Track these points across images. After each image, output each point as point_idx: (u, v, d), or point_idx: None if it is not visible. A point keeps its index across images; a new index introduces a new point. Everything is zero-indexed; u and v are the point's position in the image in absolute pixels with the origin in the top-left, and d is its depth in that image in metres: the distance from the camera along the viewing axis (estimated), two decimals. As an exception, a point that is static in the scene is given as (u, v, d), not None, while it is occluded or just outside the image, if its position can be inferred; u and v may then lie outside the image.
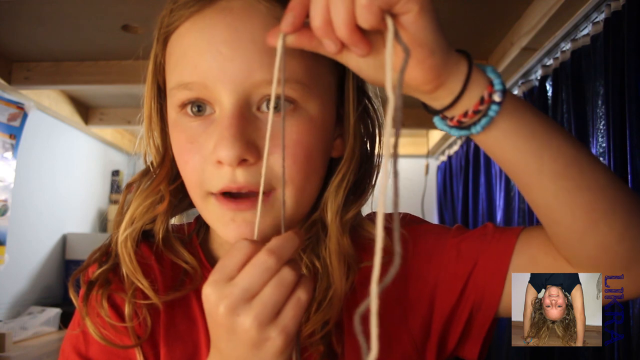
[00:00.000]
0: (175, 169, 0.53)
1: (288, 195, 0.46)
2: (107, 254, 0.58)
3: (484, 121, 0.41)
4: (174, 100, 0.47)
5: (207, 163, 0.46)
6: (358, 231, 0.54)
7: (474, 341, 0.54)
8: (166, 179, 0.53)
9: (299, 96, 0.45)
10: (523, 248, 0.51)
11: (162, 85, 0.54)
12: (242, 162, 0.44)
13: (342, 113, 0.52)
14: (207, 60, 0.43)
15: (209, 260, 0.56)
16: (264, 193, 0.41)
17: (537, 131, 0.42)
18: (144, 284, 0.51)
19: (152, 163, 0.55)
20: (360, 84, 0.53)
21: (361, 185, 0.54)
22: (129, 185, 0.57)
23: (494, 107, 0.40)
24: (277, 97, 0.39)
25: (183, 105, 0.47)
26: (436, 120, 0.46)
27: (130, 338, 0.52)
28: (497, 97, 0.40)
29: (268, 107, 0.44)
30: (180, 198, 0.55)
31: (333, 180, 0.50)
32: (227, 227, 0.46)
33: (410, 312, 0.54)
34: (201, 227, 0.59)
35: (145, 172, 0.56)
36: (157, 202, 0.53)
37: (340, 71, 0.50)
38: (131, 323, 0.52)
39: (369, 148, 0.55)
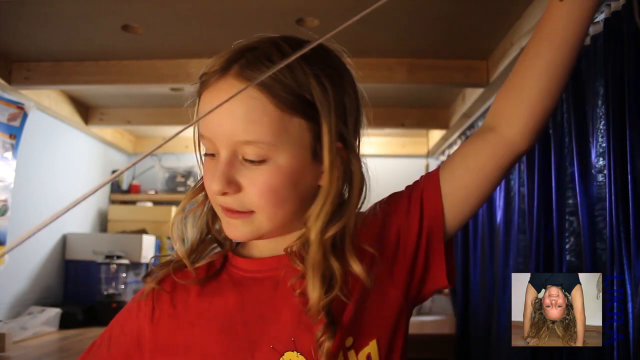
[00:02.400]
0: None
1: (263, 218, 0.64)
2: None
3: None
4: (202, 144, 0.67)
5: None
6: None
7: (438, 265, 0.67)
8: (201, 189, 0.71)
9: (265, 152, 0.62)
10: (443, 169, 0.68)
11: None
12: (224, 193, 0.63)
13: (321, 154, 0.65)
14: (211, 122, 0.63)
15: (246, 257, 0.73)
16: (244, 212, 0.64)
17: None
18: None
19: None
20: (338, 129, 0.65)
21: (345, 205, 0.66)
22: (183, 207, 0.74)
23: None
24: (252, 149, 0.61)
25: (205, 152, 0.66)
26: None
27: None
28: None
29: (252, 161, 0.62)
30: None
31: (313, 209, 0.65)
32: (227, 228, 0.66)
33: (392, 265, 0.67)
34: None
35: (198, 191, 0.73)
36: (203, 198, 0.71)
37: (316, 126, 0.64)
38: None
39: (353, 173, 0.67)
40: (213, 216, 0.71)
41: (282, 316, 0.66)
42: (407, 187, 0.71)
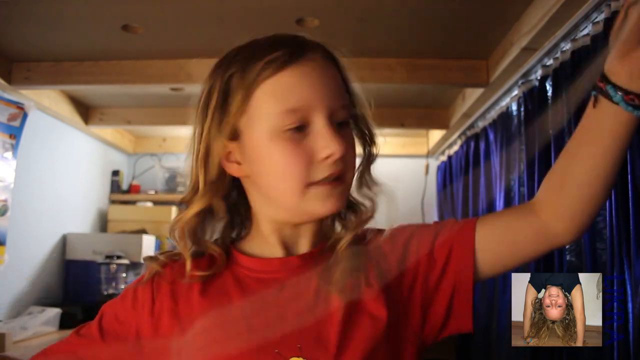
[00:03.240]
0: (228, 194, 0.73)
1: (350, 178, 0.69)
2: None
3: None
4: (278, 124, 0.65)
5: (312, 161, 0.65)
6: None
7: (465, 312, 0.68)
8: (217, 193, 0.70)
9: (348, 116, 0.69)
10: (480, 226, 0.69)
11: (233, 126, 0.68)
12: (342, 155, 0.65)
13: None
14: (310, 92, 0.65)
15: (252, 256, 0.73)
16: (341, 177, 0.67)
17: None
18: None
19: (205, 182, 0.69)
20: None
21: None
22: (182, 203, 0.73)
23: None
24: (345, 112, 0.69)
25: (286, 129, 0.65)
26: (618, 97, 0.64)
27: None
28: None
29: (340, 124, 0.67)
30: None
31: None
32: (326, 202, 0.66)
33: (408, 304, 0.69)
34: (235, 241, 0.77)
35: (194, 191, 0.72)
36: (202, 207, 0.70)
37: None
38: None
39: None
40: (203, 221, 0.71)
41: (288, 321, 0.66)
42: (432, 228, 0.72)
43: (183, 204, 0.71)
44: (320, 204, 0.66)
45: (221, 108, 0.67)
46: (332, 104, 0.66)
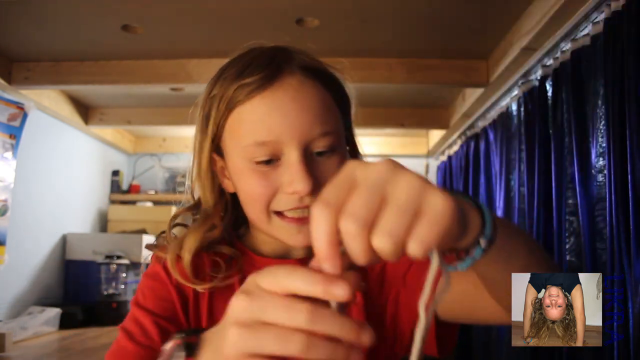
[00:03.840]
0: (228, 209, 0.71)
1: None
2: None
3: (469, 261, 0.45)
4: (248, 155, 0.63)
5: (278, 192, 0.63)
6: None
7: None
8: (220, 215, 0.70)
9: (336, 142, 0.64)
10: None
11: (217, 142, 0.68)
12: (310, 192, 0.61)
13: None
14: (280, 124, 0.61)
15: (254, 252, 0.73)
16: None
17: (506, 251, 0.49)
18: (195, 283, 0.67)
19: (206, 203, 0.70)
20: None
21: None
22: (175, 217, 0.73)
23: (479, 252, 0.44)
24: (327, 140, 0.63)
25: (255, 161, 0.63)
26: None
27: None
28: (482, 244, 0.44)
29: (321, 153, 0.63)
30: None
31: None
32: (296, 237, 0.64)
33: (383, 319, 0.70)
34: (239, 233, 0.76)
35: (194, 207, 0.72)
36: (209, 231, 0.69)
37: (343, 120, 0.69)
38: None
39: None
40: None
41: None
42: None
43: (194, 213, 0.71)
44: (290, 237, 0.65)
45: (205, 125, 0.67)
46: (306, 135, 0.61)
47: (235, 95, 0.63)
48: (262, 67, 0.63)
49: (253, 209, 0.65)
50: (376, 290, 0.71)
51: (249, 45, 0.69)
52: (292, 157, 0.61)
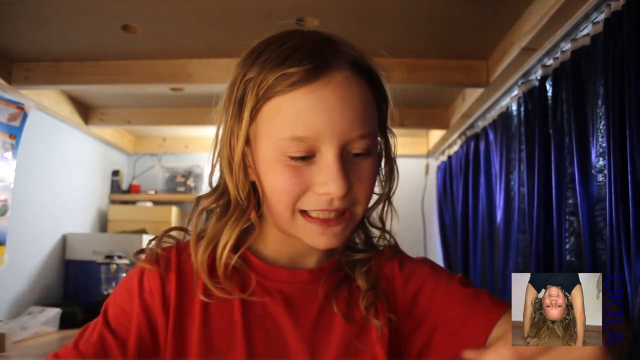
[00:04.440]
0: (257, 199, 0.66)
1: (359, 211, 0.64)
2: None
3: None
4: (282, 148, 0.59)
5: (308, 191, 0.60)
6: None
7: None
8: (254, 208, 0.65)
9: (372, 145, 0.62)
10: (503, 323, 0.64)
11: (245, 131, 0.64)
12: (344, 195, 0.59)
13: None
14: (321, 121, 0.58)
15: (261, 259, 0.69)
16: (344, 211, 0.62)
17: None
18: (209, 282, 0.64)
19: (239, 195, 0.65)
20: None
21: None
22: (202, 211, 0.68)
23: None
24: (364, 142, 0.61)
25: (289, 155, 0.60)
26: None
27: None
28: None
29: (357, 155, 0.61)
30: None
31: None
32: (319, 238, 0.62)
33: (404, 346, 0.68)
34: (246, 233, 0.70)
35: (220, 196, 0.67)
36: (245, 227, 0.66)
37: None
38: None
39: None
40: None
41: (289, 342, 0.64)
42: (448, 289, 0.69)
43: (206, 208, 0.67)
44: (312, 238, 0.62)
45: (239, 111, 0.63)
46: (346, 136, 0.59)
47: (275, 83, 0.59)
48: (308, 57, 0.59)
49: (278, 205, 0.62)
50: (404, 313, 0.68)
51: (284, 26, 0.66)
52: (329, 157, 0.59)
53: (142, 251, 0.68)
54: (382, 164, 0.71)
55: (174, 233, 0.71)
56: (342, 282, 0.69)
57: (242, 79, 0.62)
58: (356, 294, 0.68)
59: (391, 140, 0.72)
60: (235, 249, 0.66)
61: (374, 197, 0.70)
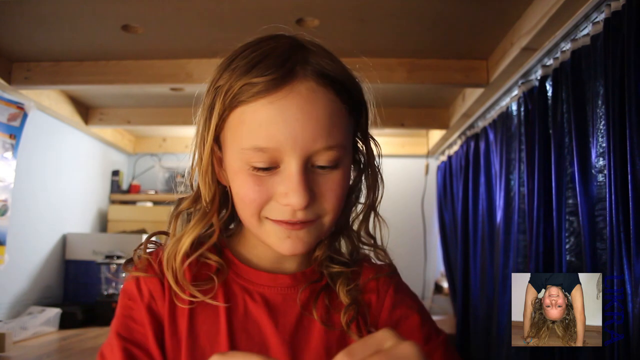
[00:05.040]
0: (222, 202, 0.67)
1: (328, 221, 0.63)
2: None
3: None
4: (245, 158, 0.60)
5: (272, 200, 0.60)
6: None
7: None
8: (216, 212, 0.66)
9: (340, 156, 0.61)
10: None
11: (218, 134, 0.65)
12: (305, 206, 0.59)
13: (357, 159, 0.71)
14: (282, 132, 0.57)
15: (243, 262, 0.70)
16: (312, 220, 0.61)
17: None
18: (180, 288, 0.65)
19: (204, 198, 0.66)
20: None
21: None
22: (179, 213, 0.69)
23: None
24: (330, 155, 0.60)
25: (252, 165, 0.60)
26: None
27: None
28: None
29: (323, 167, 0.60)
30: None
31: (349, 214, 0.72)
32: (284, 242, 0.62)
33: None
34: (227, 237, 0.72)
35: (196, 199, 0.68)
36: (205, 230, 0.67)
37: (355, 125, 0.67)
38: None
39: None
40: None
41: (271, 346, 0.64)
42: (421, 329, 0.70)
43: (181, 208, 0.68)
44: (278, 242, 0.62)
45: (209, 116, 0.63)
46: (309, 147, 0.58)
47: (240, 92, 0.59)
48: (273, 67, 0.58)
49: (244, 212, 0.63)
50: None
51: (266, 31, 0.65)
52: (291, 168, 0.58)
53: (130, 261, 0.68)
54: (365, 172, 0.71)
55: (158, 236, 0.72)
56: (324, 289, 0.70)
57: (214, 85, 0.63)
58: (337, 302, 0.69)
59: (374, 148, 0.71)
60: (217, 251, 0.67)
61: (359, 207, 0.71)
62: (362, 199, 0.72)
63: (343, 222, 0.71)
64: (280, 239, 0.62)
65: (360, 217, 0.72)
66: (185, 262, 0.64)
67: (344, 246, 0.73)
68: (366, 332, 0.67)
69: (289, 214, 0.60)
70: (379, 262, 0.74)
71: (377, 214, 0.71)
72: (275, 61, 0.59)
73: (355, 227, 0.72)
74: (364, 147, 0.70)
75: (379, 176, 0.71)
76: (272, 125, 0.57)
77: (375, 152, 0.72)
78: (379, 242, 0.73)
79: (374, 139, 0.72)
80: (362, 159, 0.71)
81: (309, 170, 0.60)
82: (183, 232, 0.66)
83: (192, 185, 0.70)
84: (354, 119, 0.65)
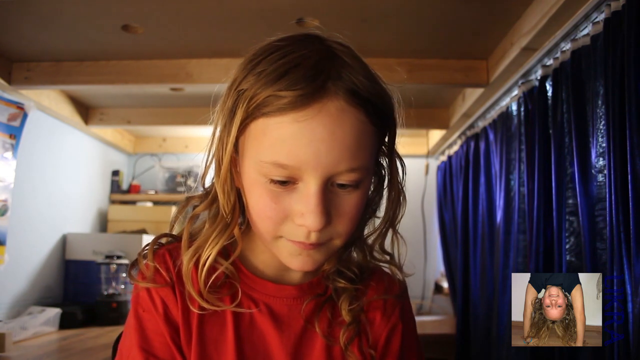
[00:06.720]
0: (240, 213, 0.65)
1: (339, 242, 0.62)
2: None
3: None
4: (264, 171, 0.57)
5: (287, 219, 0.59)
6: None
7: None
8: (237, 223, 0.64)
9: (362, 177, 0.59)
10: None
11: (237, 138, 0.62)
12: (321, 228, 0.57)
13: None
14: (305, 152, 0.55)
15: (249, 269, 0.69)
16: (325, 242, 0.60)
17: None
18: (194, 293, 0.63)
19: (224, 207, 0.64)
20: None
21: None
22: (193, 217, 0.67)
23: None
24: (353, 176, 0.57)
25: (271, 179, 0.58)
26: None
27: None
28: None
29: (343, 186, 0.58)
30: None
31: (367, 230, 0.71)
32: (295, 259, 0.61)
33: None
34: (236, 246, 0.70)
35: (211, 202, 0.66)
36: (228, 242, 0.65)
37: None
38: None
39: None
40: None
41: (275, 356, 0.65)
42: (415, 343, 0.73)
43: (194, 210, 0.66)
44: (289, 258, 0.61)
45: (230, 120, 0.60)
46: (332, 169, 0.55)
47: (265, 102, 0.56)
48: (303, 80, 0.55)
49: (259, 226, 0.62)
50: (379, 352, 0.70)
51: (294, 27, 0.63)
52: (310, 188, 0.56)
53: (134, 265, 0.66)
54: (388, 189, 0.69)
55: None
56: (327, 301, 0.69)
57: (237, 87, 0.59)
58: (340, 316, 0.69)
59: (400, 167, 0.68)
60: (226, 257, 0.65)
61: (376, 221, 0.70)
62: (379, 212, 0.70)
63: (357, 234, 0.69)
64: (292, 255, 0.61)
65: (377, 232, 0.70)
66: (209, 274, 0.63)
67: (355, 255, 0.73)
68: (368, 353, 0.68)
69: (303, 235, 0.58)
70: (390, 273, 0.74)
71: (395, 232, 0.69)
72: (306, 73, 0.55)
73: (370, 240, 0.70)
74: (388, 162, 0.68)
75: (402, 194, 0.68)
76: (296, 143, 0.55)
77: (400, 171, 0.69)
78: (395, 259, 0.71)
79: (400, 158, 0.69)
80: (385, 173, 0.69)
81: (327, 190, 0.57)
82: (201, 243, 0.64)
83: (204, 184, 0.67)
84: (380, 136, 0.63)
